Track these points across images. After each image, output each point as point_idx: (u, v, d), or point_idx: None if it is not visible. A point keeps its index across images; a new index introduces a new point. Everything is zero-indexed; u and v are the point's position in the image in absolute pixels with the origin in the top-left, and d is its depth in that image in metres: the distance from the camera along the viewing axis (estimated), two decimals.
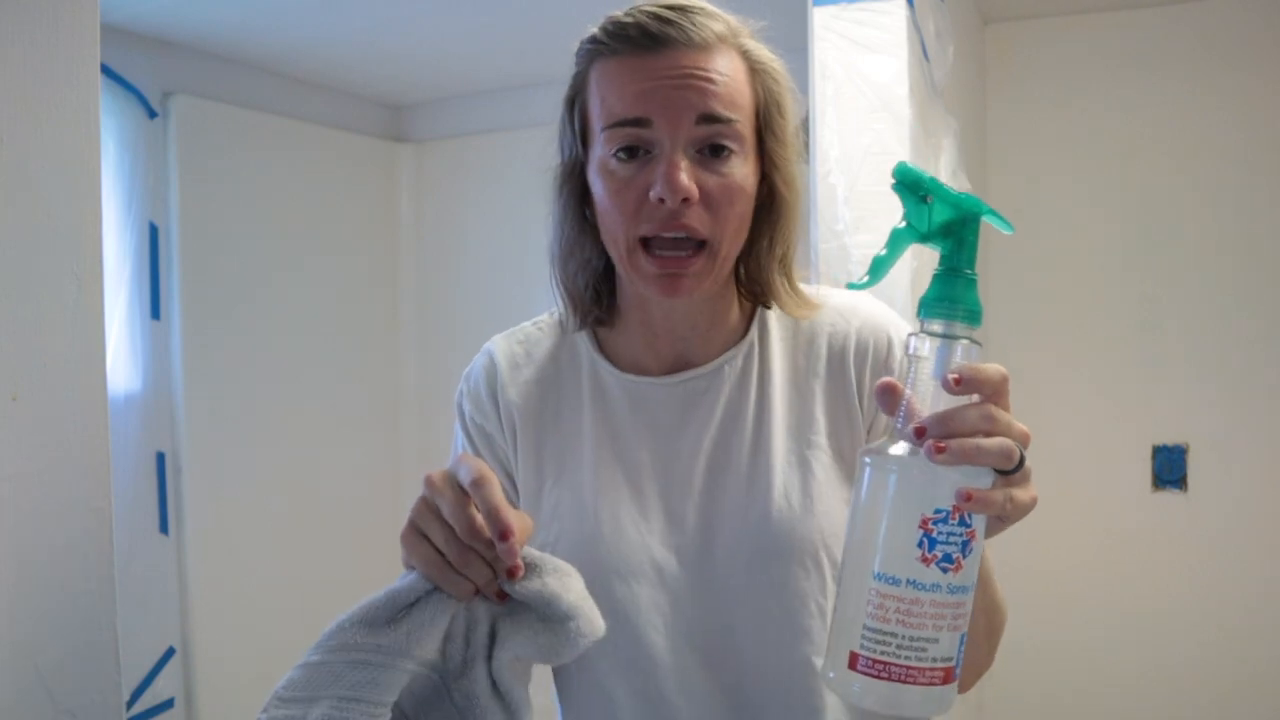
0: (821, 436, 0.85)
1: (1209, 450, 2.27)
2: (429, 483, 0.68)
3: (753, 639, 0.83)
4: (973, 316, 0.61)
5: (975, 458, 0.58)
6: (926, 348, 0.61)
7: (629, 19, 0.79)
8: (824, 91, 1.57)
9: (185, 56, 2.50)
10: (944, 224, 0.62)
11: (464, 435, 0.93)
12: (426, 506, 0.68)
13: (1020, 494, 0.61)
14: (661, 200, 0.77)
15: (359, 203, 3.10)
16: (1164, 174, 2.29)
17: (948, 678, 0.60)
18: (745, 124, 0.80)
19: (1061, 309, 2.37)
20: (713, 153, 0.78)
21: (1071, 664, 2.39)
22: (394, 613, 0.67)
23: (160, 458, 2.44)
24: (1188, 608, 2.28)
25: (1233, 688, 2.24)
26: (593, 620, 0.69)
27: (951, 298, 0.61)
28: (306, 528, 2.82)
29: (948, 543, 0.58)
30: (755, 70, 0.82)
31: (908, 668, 0.58)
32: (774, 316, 0.90)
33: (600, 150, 0.80)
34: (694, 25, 0.78)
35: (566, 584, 0.69)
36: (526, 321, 0.96)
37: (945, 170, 1.72)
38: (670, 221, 0.77)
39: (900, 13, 1.53)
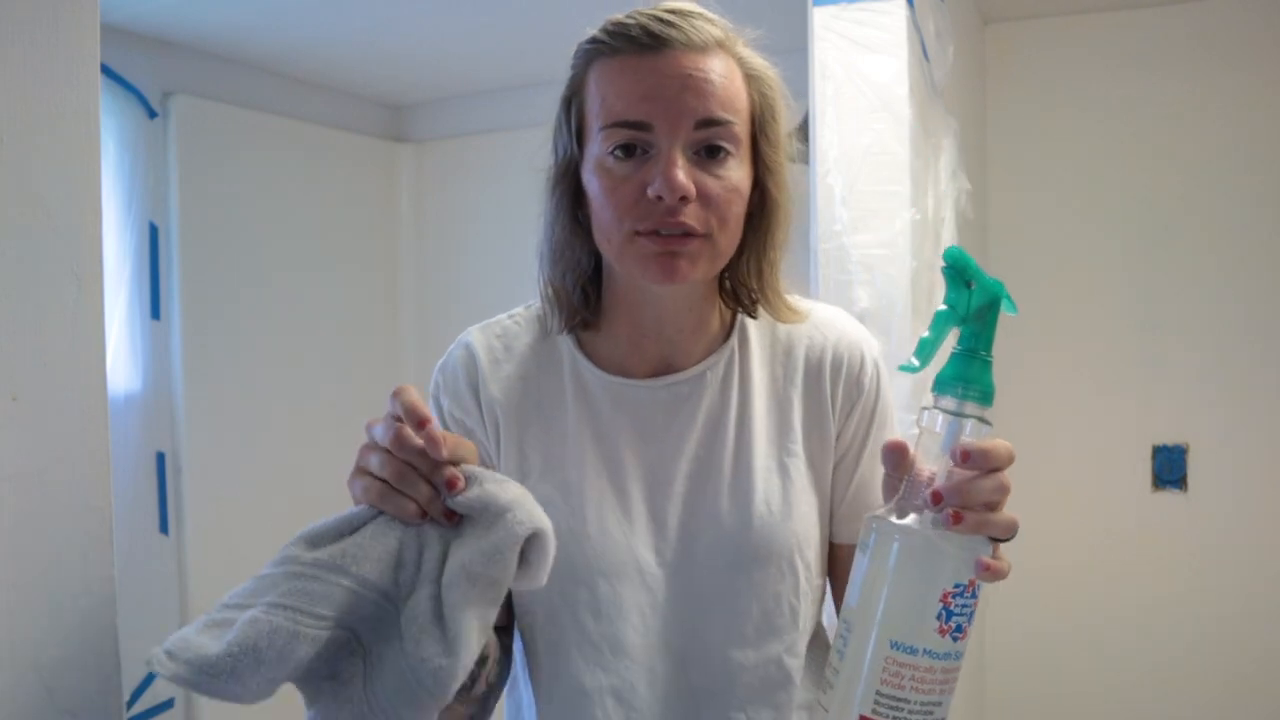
0: (798, 445, 0.88)
1: (1209, 450, 2.27)
2: (366, 426, 0.71)
3: (728, 639, 0.85)
4: (985, 397, 0.64)
5: (987, 528, 0.62)
6: (939, 423, 0.64)
7: (630, 20, 0.80)
8: (824, 91, 1.57)
9: (185, 56, 2.50)
10: (978, 308, 0.65)
11: (442, 406, 0.93)
12: (365, 446, 0.71)
13: (1006, 560, 0.65)
14: (659, 198, 0.77)
15: (359, 203, 3.10)
16: (1164, 174, 2.29)
17: None
18: (741, 127, 0.81)
19: (1061, 309, 2.37)
20: (710, 154, 0.79)
21: (1071, 663, 2.39)
22: (337, 535, 0.68)
23: (160, 458, 2.44)
24: (1187, 607, 2.28)
25: (1232, 687, 2.24)
26: (531, 511, 0.68)
27: (968, 379, 0.64)
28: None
29: (962, 614, 0.61)
30: (749, 76, 0.83)
31: None
32: (752, 324, 0.91)
33: (597, 149, 0.81)
34: (694, 28, 0.79)
35: (504, 487, 0.69)
36: (501, 314, 0.95)
37: (945, 170, 1.72)
38: (667, 218, 0.78)
39: (900, 13, 1.53)
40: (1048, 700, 2.41)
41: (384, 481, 0.68)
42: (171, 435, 2.47)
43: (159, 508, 2.43)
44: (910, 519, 0.63)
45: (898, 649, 0.61)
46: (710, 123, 0.78)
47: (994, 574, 0.61)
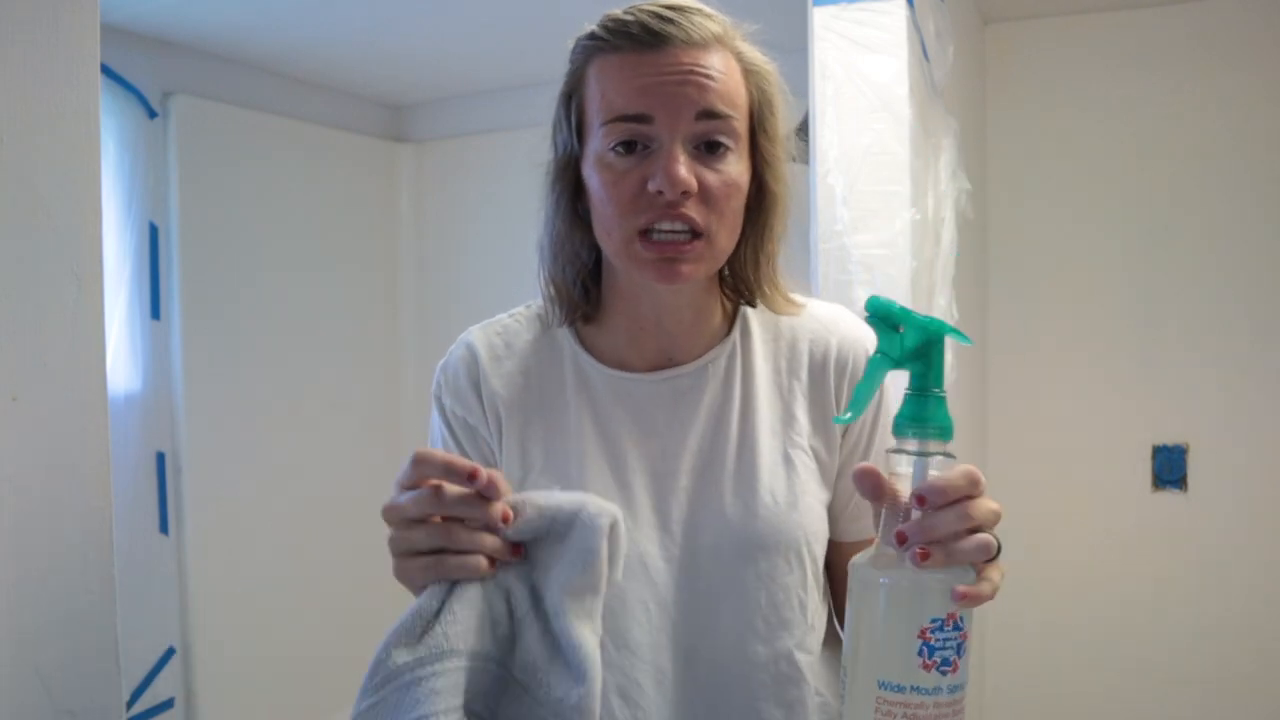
0: (803, 437, 0.88)
1: (1209, 450, 2.27)
2: (384, 512, 0.67)
3: (736, 633, 0.84)
4: (944, 432, 0.64)
5: (956, 558, 0.62)
6: (904, 464, 0.65)
7: (629, 16, 0.80)
8: (824, 91, 1.57)
9: (185, 56, 2.50)
10: (915, 348, 0.65)
11: (444, 429, 0.92)
12: (394, 526, 0.67)
13: (996, 575, 0.64)
14: (660, 192, 0.78)
15: (359, 203, 3.10)
16: (1164, 174, 2.29)
17: None
18: (741, 122, 0.82)
19: (1061, 309, 2.37)
20: (710, 149, 0.80)
21: (1071, 663, 2.39)
22: (425, 624, 0.64)
23: (160, 458, 2.44)
24: (1187, 607, 2.28)
25: (1233, 686, 2.24)
26: (598, 504, 0.66)
27: (923, 418, 0.64)
28: (306, 528, 2.82)
29: (945, 648, 0.62)
30: (748, 71, 0.83)
31: None
32: (755, 318, 0.91)
33: (598, 144, 0.81)
34: (693, 24, 0.79)
35: (553, 496, 0.67)
36: (502, 314, 0.95)
37: (945, 170, 1.72)
38: (668, 212, 0.78)
39: (900, 13, 1.53)
40: (1048, 700, 2.41)
41: (439, 552, 0.66)
42: (171, 435, 2.47)
43: (159, 508, 2.43)
44: (885, 559, 0.64)
45: (886, 688, 0.62)
46: (710, 115, 0.79)
47: (971, 601, 0.61)
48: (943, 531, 0.61)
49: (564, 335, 0.91)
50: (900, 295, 1.53)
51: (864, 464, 0.66)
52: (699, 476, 0.86)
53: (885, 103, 1.54)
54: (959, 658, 0.62)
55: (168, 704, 2.44)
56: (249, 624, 2.63)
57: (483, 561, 0.65)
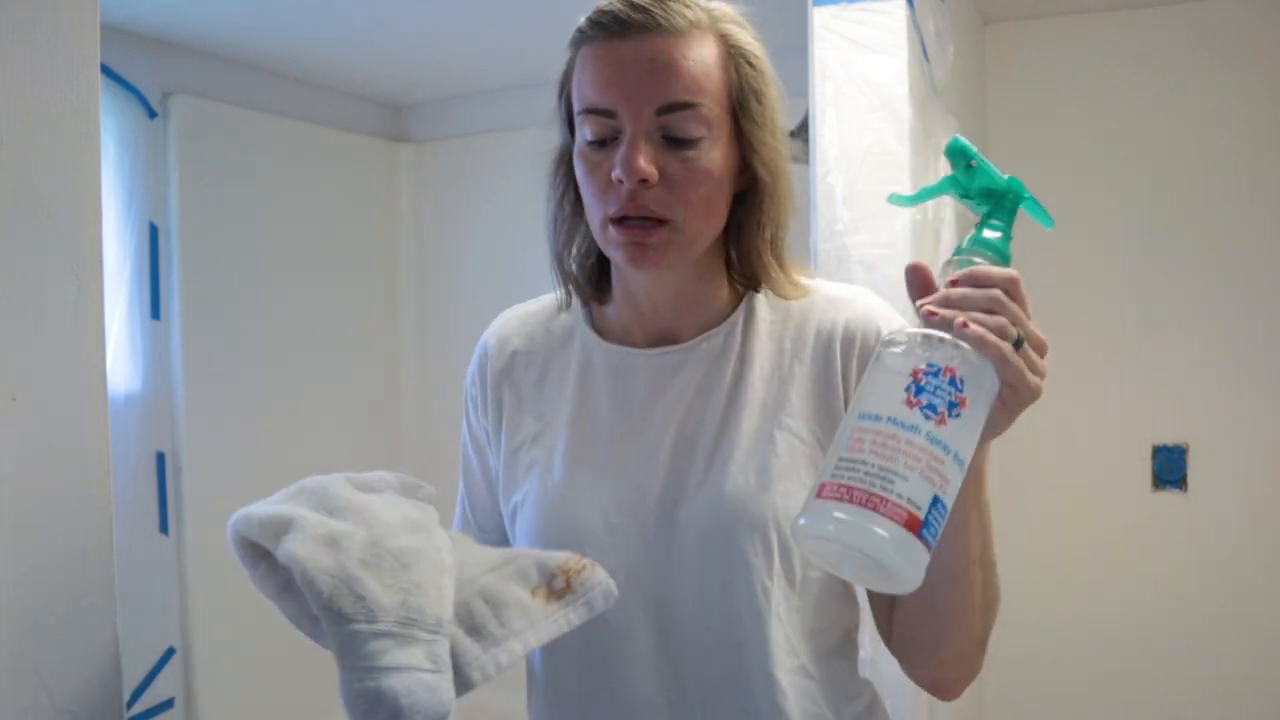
0: (795, 420, 0.86)
1: (1209, 450, 2.27)
2: None
3: (700, 610, 0.84)
4: (1001, 256, 0.68)
5: (964, 327, 0.62)
6: (953, 270, 0.66)
7: (609, 6, 0.81)
8: (824, 91, 1.57)
9: (185, 56, 2.50)
10: (985, 190, 0.69)
11: (466, 411, 1.00)
12: None
13: (1023, 366, 0.66)
14: (621, 181, 0.80)
15: (359, 203, 3.10)
16: (1164, 173, 2.29)
17: (912, 523, 0.59)
18: (714, 107, 0.81)
19: (1061, 309, 2.37)
20: (678, 138, 0.81)
21: (1071, 662, 2.39)
22: None
23: (160, 458, 2.44)
24: (1187, 607, 2.28)
25: (1232, 686, 2.24)
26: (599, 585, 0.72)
27: (985, 242, 0.68)
28: None
29: (934, 394, 0.60)
30: (732, 55, 0.83)
31: (870, 493, 0.58)
32: (765, 302, 0.91)
33: (579, 134, 0.84)
34: (665, 12, 0.80)
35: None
36: (543, 296, 1.00)
37: (945, 170, 1.72)
38: (629, 202, 0.80)
39: (900, 13, 1.53)
40: (1047, 699, 2.41)
41: None
42: (171, 435, 2.47)
43: (159, 508, 2.43)
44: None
45: (864, 418, 0.61)
46: (673, 107, 0.79)
47: (975, 339, 0.62)
48: (971, 305, 0.63)
49: (578, 314, 0.95)
50: (900, 295, 1.53)
51: (914, 261, 0.68)
52: (678, 452, 0.87)
53: (885, 102, 1.54)
54: (949, 414, 0.60)
55: (168, 704, 2.44)
56: (249, 624, 2.62)
57: None
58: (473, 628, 0.69)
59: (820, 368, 0.87)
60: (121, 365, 2.33)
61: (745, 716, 0.84)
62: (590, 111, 0.81)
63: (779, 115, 0.86)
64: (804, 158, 1.59)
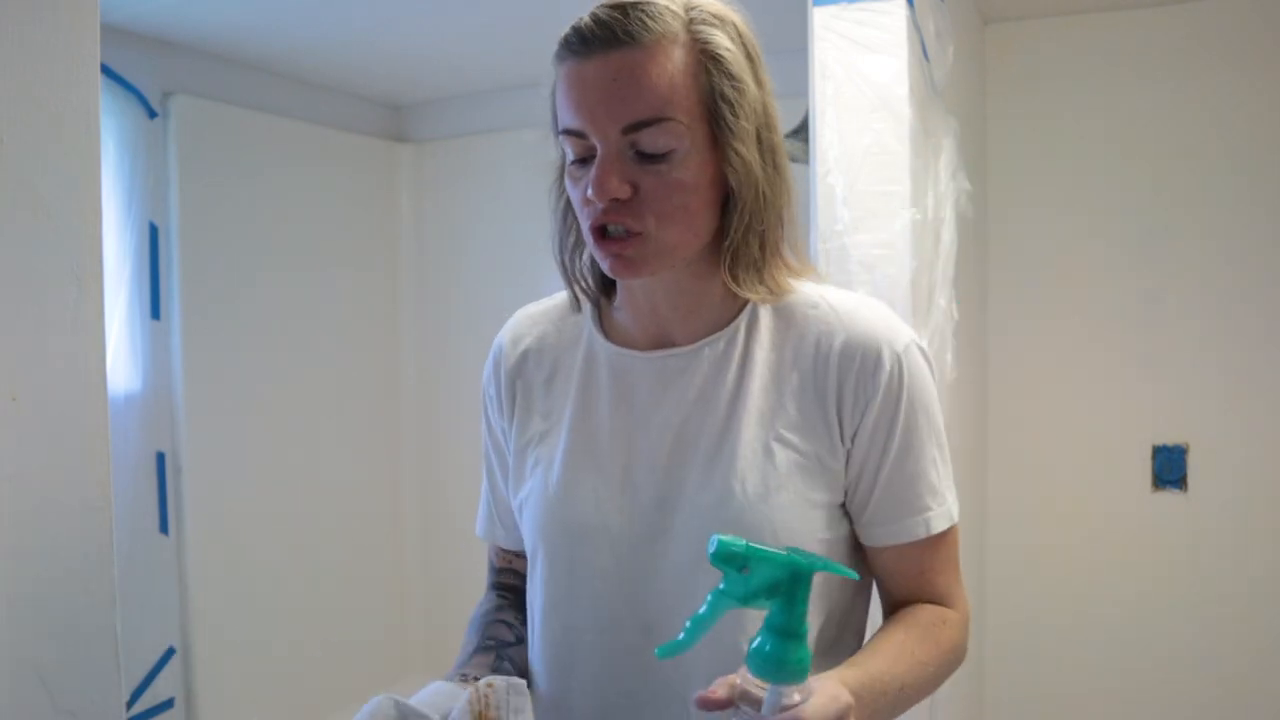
0: (792, 432, 0.86)
1: (1209, 450, 2.27)
2: None
3: (688, 613, 0.84)
4: (801, 673, 0.65)
5: None
6: (755, 691, 0.66)
7: (577, 23, 0.81)
8: (824, 91, 1.57)
9: (185, 56, 2.50)
10: (768, 585, 0.65)
11: (485, 408, 1.02)
12: None
13: None
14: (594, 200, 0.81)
15: (359, 203, 3.10)
16: (1164, 173, 2.29)
17: None
18: (684, 119, 0.80)
19: (1061, 308, 2.37)
20: (649, 153, 0.80)
21: (1071, 662, 2.39)
22: None
23: (160, 458, 2.44)
24: (1187, 607, 2.28)
25: (1232, 686, 2.24)
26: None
27: (782, 659, 0.65)
28: (306, 528, 2.82)
29: None
30: (703, 63, 0.81)
31: None
32: (768, 310, 0.91)
33: (565, 152, 0.85)
34: (630, 24, 0.79)
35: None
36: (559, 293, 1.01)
37: (945, 170, 1.72)
38: (605, 217, 0.82)
39: (900, 13, 1.53)
40: (1047, 699, 2.41)
41: None
42: (171, 435, 2.47)
43: (159, 508, 2.43)
44: None
45: None
46: (639, 125, 0.79)
47: None
48: None
49: (587, 314, 0.96)
50: (900, 295, 1.53)
51: (701, 693, 0.67)
52: (676, 455, 0.87)
53: (885, 102, 1.54)
54: None
55: (168, 704, 2.44)
56: (249, 624, 2.63)
57: None
58: None
59: (817, 382, 0.86)
60: (121, 365, 2.33)
61: None
62: (565, 133, 0.83)
63: (758, 119, 0.84)
64: (804, 158, 1.59)
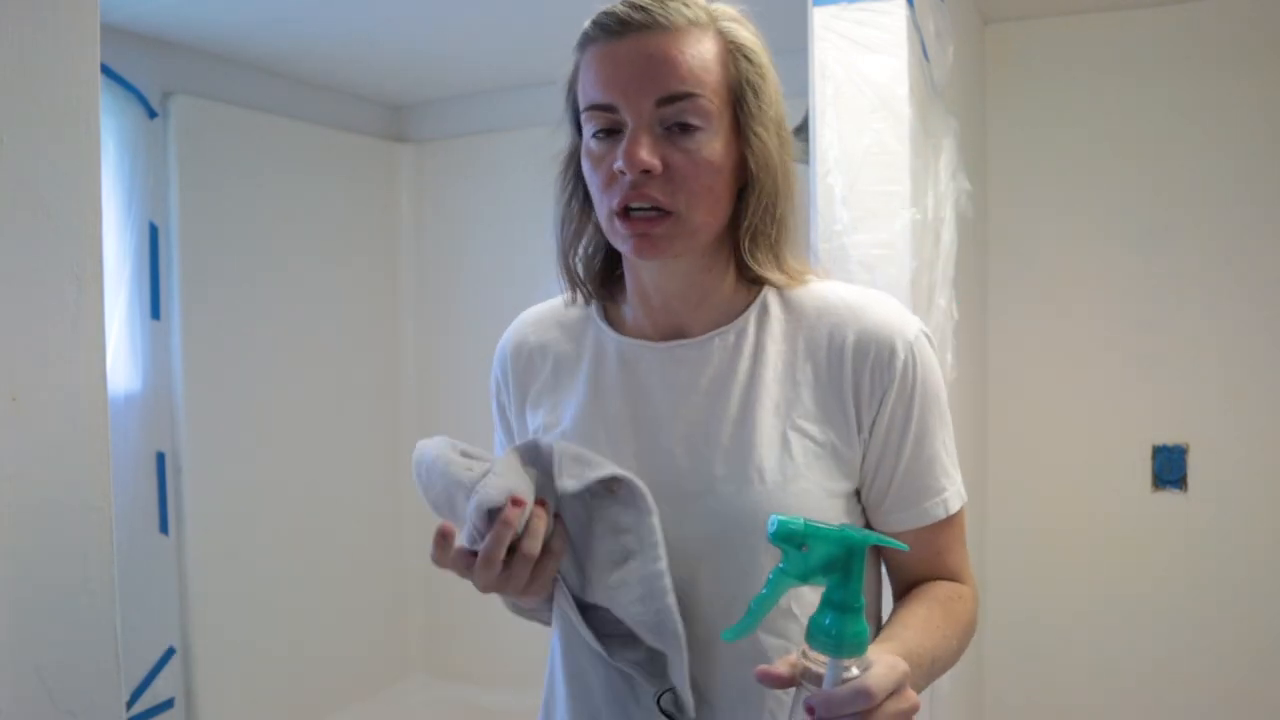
0: (808, 422, 0.87)
1: (1209, 450, 2.27)
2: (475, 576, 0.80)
3: (706, 606, 0.85)
4: (860, 646, 0.66)
5: None
6: (816, 668, 0.66)
7: (611, 8, 0.84)
8: (824, 91, 1.57)
9: (185, 56, 2.50)
10: (824, 562, 0.66)
11: (496, 412, 1.04)
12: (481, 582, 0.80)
13: None
14: (623, 173, 0.82)
15: (359, 203, 3.10)
16: (1164, 173, 2.29)
17: None
18: (713, 100, 0.83)
19: (1061, 309, 2.37)
20: (680, 129, 0.83)
21: (1071, 663, 2.39)
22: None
23: (160, 458, 2.44)
24: (1187, 607, 2.28)
25: (1231, 686, 2.24)
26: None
27: (841, 634, 0.65)
28: (306, 527, 2.82)
29: None
30: (731, 50, 0.85)
31: None
32: (778, 302, 0.92)
33: (585, 131, 0.86)
34: (665, 10, 0.83)
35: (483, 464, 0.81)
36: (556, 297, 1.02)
37: (945, 170, 1.72)
38: (634, 193, 0.82)
39: (900, 13, 1.53)
40: (1046, 699, 2.41)
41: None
42: (171, 435, 2.47)
43: (159, 508, 2.43)
44: None
45: None
46: (672, 98, 0.82)
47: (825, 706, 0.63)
48: None
49: (593, 309, 0.97)
50: (900, 295, 1.53)
51: (766, 668, 0.68)
52: (692, 446, 0.87)
53: (885, 103, 1.54)
54: None
55: (168, 704, 2.44)
56: (249, 624, 2.63)
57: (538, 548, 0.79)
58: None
59: (832, 375, 0.87)
60: (121, 365, 2.33)
61: (747, 709, 0.85)
62: (594, 108, 0.84)
63: (777, 110, 0.88)
64: (804, 158, 1.59)
